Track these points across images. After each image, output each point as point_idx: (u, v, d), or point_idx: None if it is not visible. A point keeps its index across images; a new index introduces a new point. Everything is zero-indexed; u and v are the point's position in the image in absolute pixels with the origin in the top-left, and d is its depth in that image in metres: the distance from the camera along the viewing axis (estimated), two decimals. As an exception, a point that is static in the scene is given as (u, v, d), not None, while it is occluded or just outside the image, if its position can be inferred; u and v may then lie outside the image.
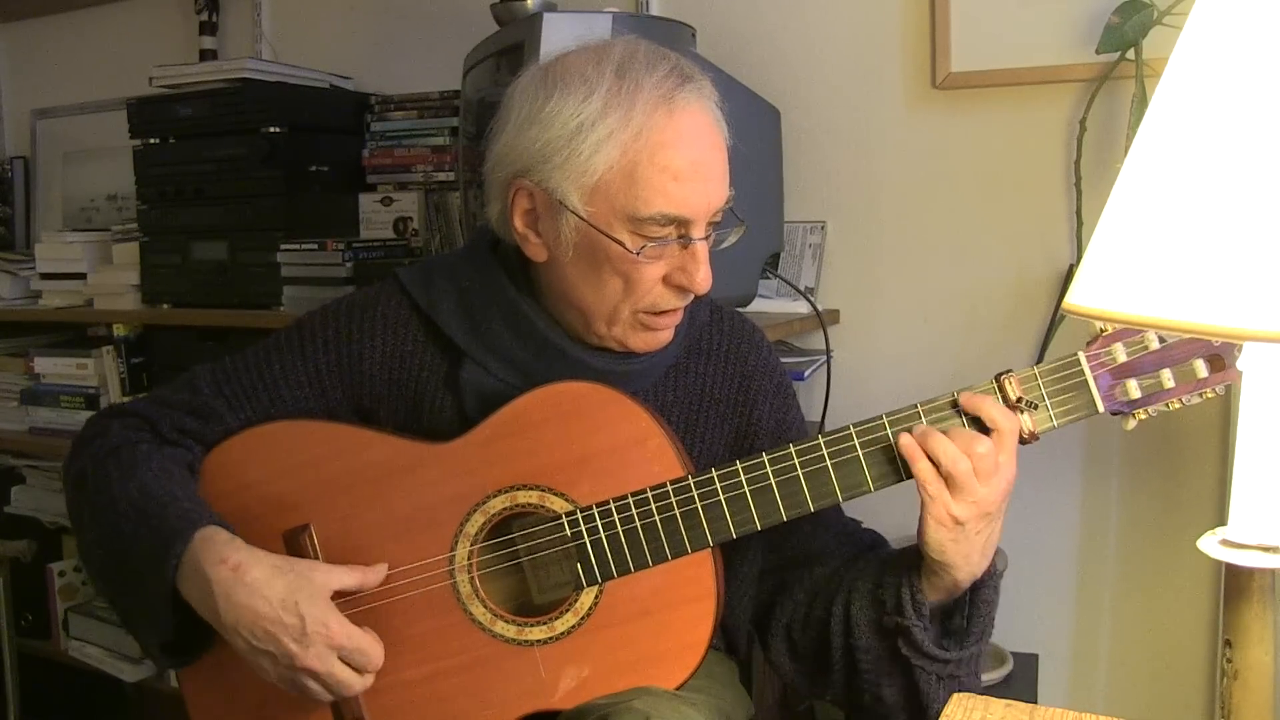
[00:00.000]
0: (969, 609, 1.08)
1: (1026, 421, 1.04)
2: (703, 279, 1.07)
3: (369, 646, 1.04)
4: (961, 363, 1.87)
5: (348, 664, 1.04)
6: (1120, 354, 1.03)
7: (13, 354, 2.46)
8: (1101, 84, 1.70)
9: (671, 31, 1.70)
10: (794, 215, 1.94)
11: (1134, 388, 1.03)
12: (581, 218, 1.06)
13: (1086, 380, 1.04)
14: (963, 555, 1.03)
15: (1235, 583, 0.81)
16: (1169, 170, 0.71)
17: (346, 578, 1.07)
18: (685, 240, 1.06)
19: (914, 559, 1.07)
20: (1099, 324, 1.03)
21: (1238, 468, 0.78)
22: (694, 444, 1.19)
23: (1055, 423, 1.05)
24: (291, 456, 1.15)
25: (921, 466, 1.02)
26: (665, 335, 1.13)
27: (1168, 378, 1.03)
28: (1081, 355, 1.04)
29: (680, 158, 1.04)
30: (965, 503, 1.01)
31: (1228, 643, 0.82)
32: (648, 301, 1.09)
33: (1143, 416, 1.05)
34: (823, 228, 1.95)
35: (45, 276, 2.41)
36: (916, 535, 1.04)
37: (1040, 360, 1.78)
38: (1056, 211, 1.78)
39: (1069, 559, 1.83)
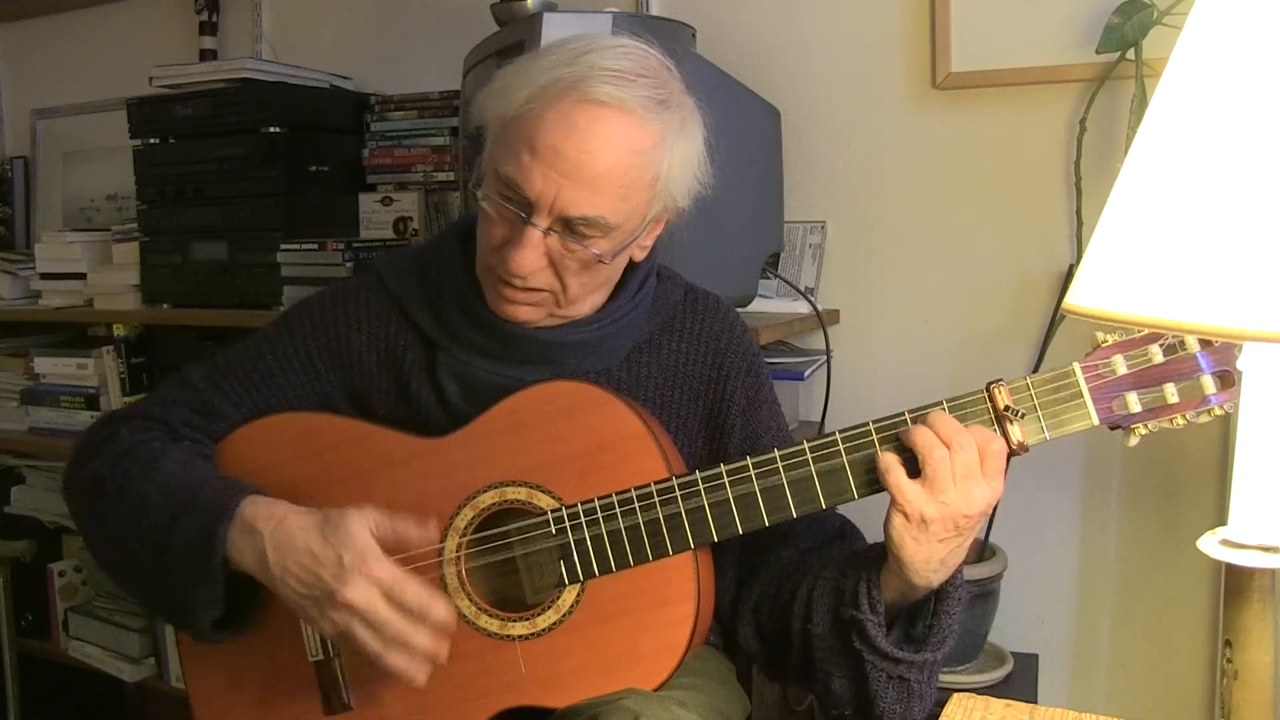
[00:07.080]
0: (931, 618, 1.08)
1: (1016, 432, 1.01)
2: (514, 261, 1.09)
3: (408, 583, 1.01)
4: (961, 362, 1.87)
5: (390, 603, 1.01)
6: (1120, 366, 0.99)
7: (13, 354, 2.45)
8: (1101, 84, 1.70)
9: (671, 31, 1.70)
10: (794, 215, 1.94)
11: (1133, 401, 0.99)
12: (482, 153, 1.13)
13: (1081, 392, 1.00)
14: (921, 559, 1.01)
15: (1235, 583, 0.81)
16: (1169, 170, 0.71)
17: (385, 523, 1.05)
18: (525, 220, 1.08)
19: (880, 555, 1.06)
20: (1100, 335, 1.01)
21: (1238, 467, 0.78)
22: (669, 420, 1.20)
23: (1047, 434, 1.01)
24: (289, 449, 1.18)
25: (883, 451, 1.02)
26: (521, 310, 1.14)
27: (1171, 392, 0.98)
28: (1076, 366, 1.01)
29: (544, 138, 1.05)
30: (935, 500, 0.99)
31: (1228, 643, 0.82)
32: (493, 259, 1.12)
33: (1144, 432, 1.00)
34: (823, 228, 1.95)
35: (45, 276, 2.40)
36: (883, 526, 1.03)
37: (1039, 361, 1.81)
38: (1056, 211, 1.78)
39: (1069, 559, 1.83)
